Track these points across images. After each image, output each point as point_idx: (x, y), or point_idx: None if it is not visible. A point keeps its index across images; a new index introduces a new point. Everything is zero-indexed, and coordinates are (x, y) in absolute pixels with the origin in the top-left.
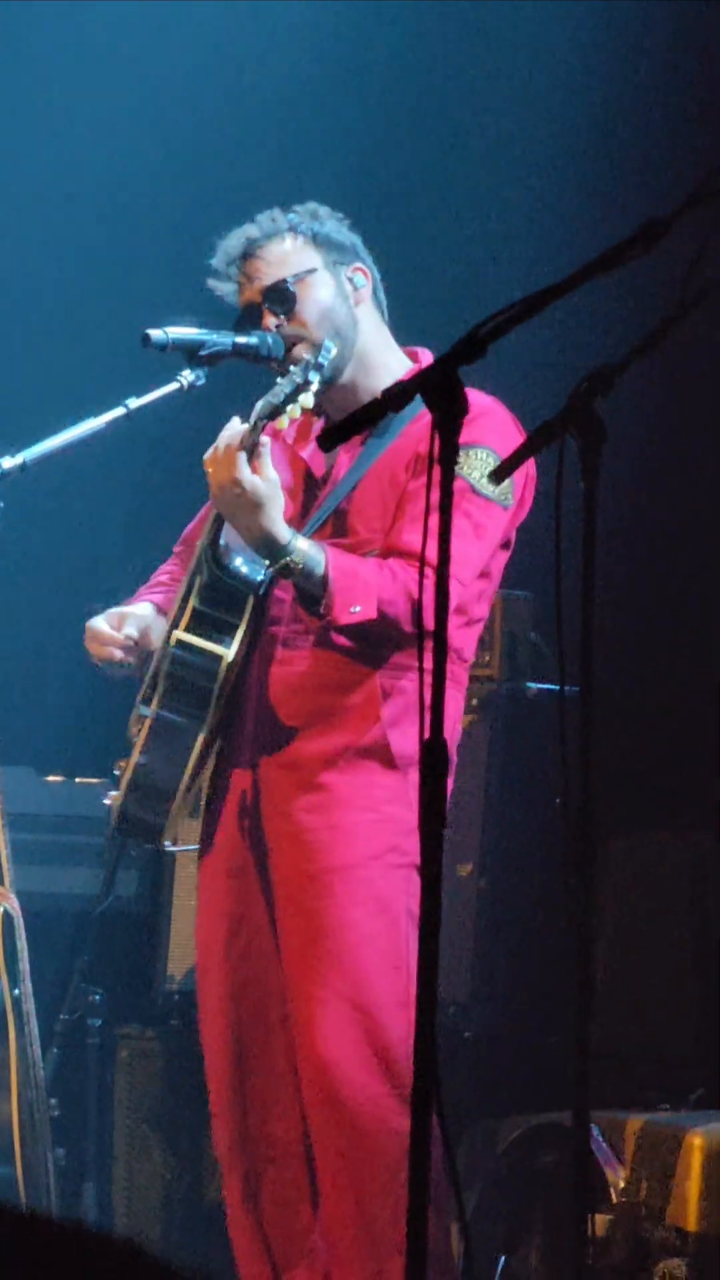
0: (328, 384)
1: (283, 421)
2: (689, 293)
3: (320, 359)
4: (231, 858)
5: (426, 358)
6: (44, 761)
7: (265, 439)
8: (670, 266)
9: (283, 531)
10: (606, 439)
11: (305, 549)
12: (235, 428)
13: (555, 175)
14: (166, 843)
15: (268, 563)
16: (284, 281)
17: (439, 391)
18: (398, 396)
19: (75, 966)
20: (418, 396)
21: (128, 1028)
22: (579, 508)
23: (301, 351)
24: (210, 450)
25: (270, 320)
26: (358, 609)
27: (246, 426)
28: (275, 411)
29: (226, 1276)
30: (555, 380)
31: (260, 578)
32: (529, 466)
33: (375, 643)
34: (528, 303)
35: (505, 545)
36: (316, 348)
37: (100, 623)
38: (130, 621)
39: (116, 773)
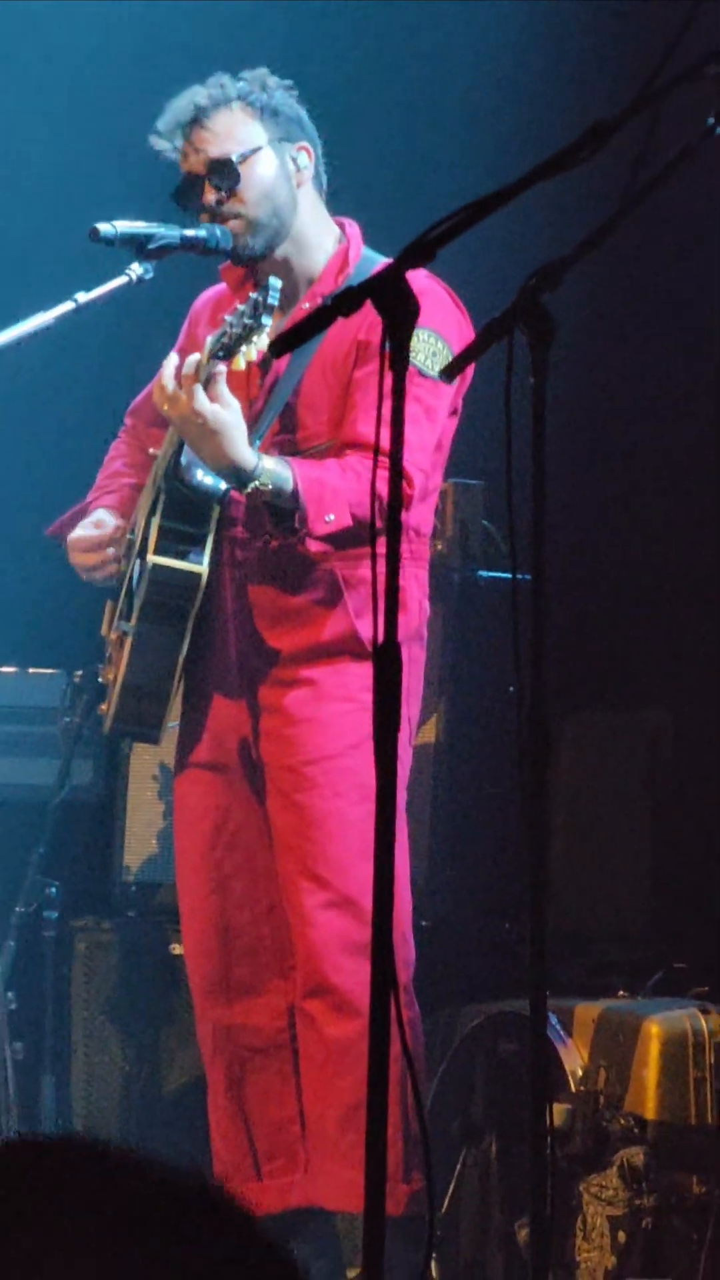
0: (258, 259)
1: (238, 362)
2: (634, 188)
3: (270, 299)
4: (215, 753)
5: (353, 229)
6: None
7: (221, 368)
8: (616, 162)
9: (248, 456)
10: (555, 334)
11: (272, 468)
12: (178, 362)
13: (505, 76)
14: (161, 734)
15: (237, 487)
16: (229, 158)
17: (389, 297)
18: (348, 302)
19: (31, 858)
20: (348, 265)
21: (84, 920)
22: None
23: (243, 238)
24: (158, 385)
25: (210, 196)
26: (331, 518)
27: (200, 357)
28: (228, 352)
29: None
30: (504, 276)
31: (224, 488)
32: (466, 332)
33: (347, 544)
34: (476, 207)
35: (453, 413)
36: (254, 229)
37: (83, 530)
38: (109, 521)
39: (102, 681)
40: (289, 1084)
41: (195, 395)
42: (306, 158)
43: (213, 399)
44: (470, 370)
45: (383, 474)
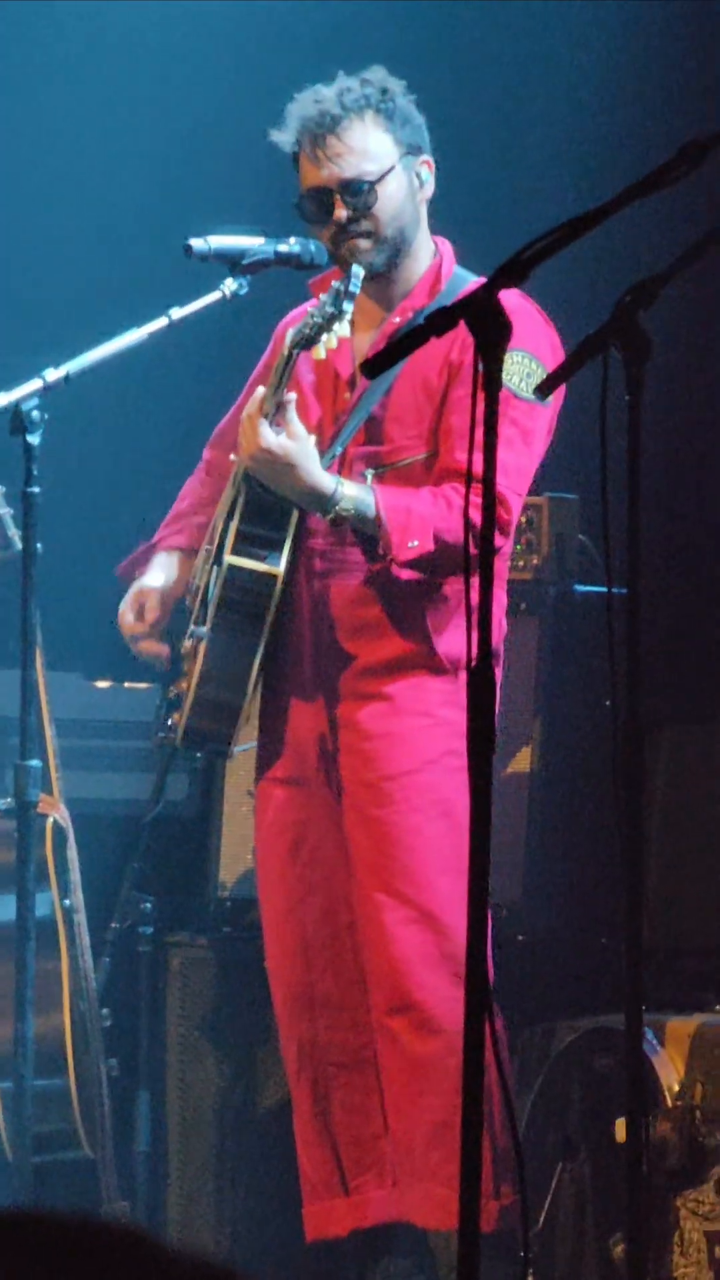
0: (375, 276)
1: (319, 351)
2: None
3: (351, 287)
4: (293, 767)
5: (445, 246)
6: (92, 667)
7: (290, 395)
8: (713, 178)
9: (326, 483)
10: (651, 350)
11: (353, 494)
12: (260, 393)
13: (596, 95)
14: (234, 750)
15: (319, 513)
16: (364, 179)
17: (482, 318)
18: (440, 323)
19: (126, 874)
20: (440, 281)
21: (179, 935)
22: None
23: (358, 251)
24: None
25: (342, 213)
26: (415, 544)
27: (267, 391)
28: (309, 342)
29: (283, 1183)
30: (598, 293)
31: None
32: (558, 352)
33: (439, 571)
34: (570, 227)
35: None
36: (381, 246)
37: (128, 615)
38: (152, 600)
39: (173, 693)
40: (374, 1098)
41: (260, 430)
42: (428, 172)
43: (280, 427)
44: (562, 390)
45: (479, 500)
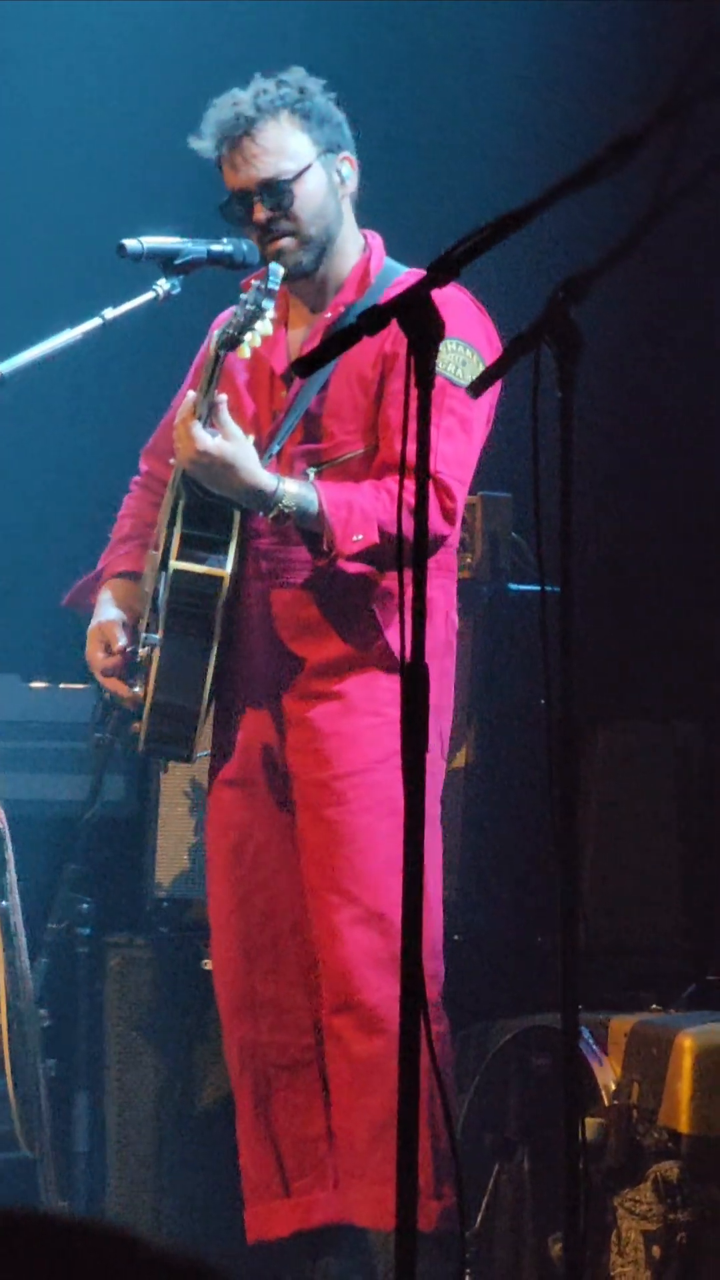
0: (310, 274)
1: (243, 350)
2: (662, 198)
3: (270, 284)
4: (242, 768)
5: (375, 239)
6: (28, 668)
7: (221, 396)
8: (642, 171)
9: (267, 481)
10: (582, 346)
11: (295, 491)
12: (191, 398)
13: (527, 89)
14: (197, 754)
15: (261, 512)
16: (281, 178)
17: (415, 315)
18: (373, 321)
19: (63, 875)
20: (370, 275)
21: (117, 936)
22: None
23: (284, 252)
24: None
25: (262, 214)
26: (359, 537)
27: (198, 394)
28: (233, 342)
29: (222, 1182)
30: (529, 288)
31: None
32: (493, 340)
33: (386, 565)
34: (500, 223)
35: (485, 422)
36: (306, 245)
37: (97, 654)
38: (114, 632)
39: (132, 699)
40: (316, 1100)
41: (194, 433)
42: (349, 168)
43: (215, 429)
44: (499, 382)
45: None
